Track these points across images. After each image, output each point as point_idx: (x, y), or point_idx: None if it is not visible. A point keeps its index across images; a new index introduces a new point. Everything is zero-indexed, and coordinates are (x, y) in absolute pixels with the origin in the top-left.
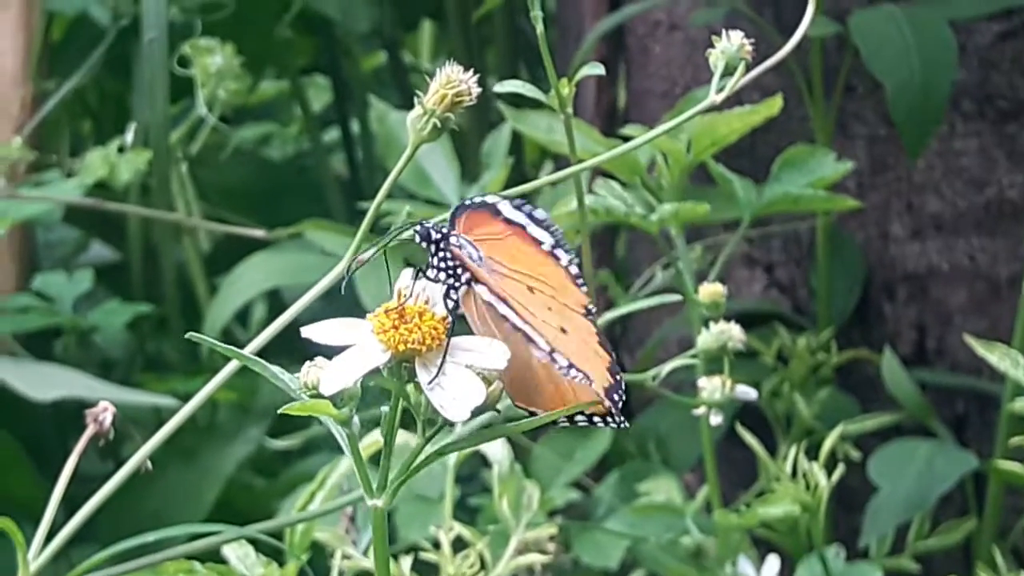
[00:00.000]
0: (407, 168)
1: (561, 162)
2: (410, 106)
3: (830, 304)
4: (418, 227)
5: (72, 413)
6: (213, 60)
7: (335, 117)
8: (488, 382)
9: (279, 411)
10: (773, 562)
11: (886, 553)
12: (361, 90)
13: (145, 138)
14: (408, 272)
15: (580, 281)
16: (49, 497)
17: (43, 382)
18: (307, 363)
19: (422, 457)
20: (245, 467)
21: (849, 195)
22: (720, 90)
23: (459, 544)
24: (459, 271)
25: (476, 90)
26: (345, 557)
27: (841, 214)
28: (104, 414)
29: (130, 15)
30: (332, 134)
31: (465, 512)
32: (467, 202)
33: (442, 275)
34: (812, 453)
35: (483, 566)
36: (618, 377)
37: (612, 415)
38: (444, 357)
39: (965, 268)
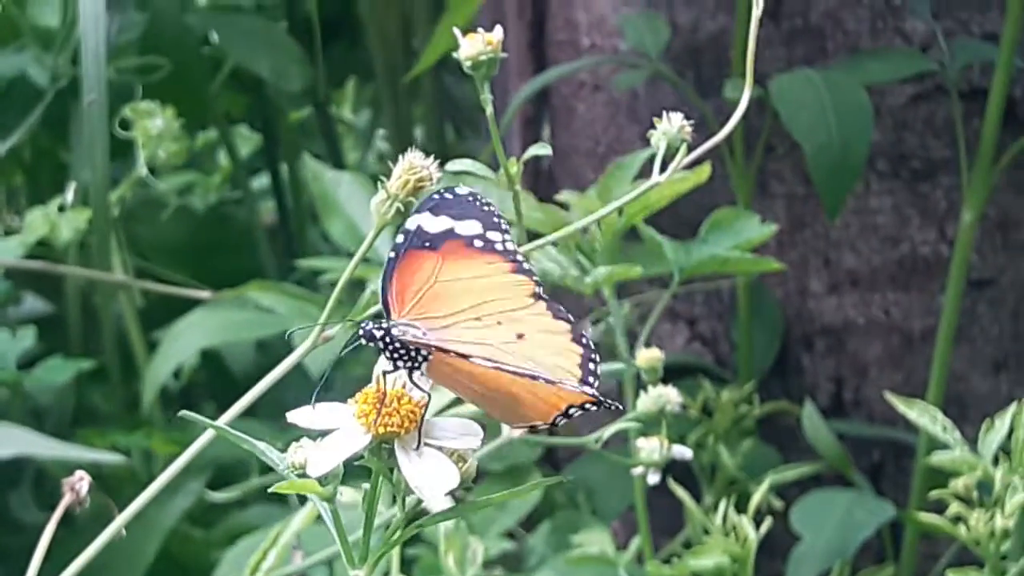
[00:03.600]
0: (341, 226)
1: None
2: (337, 155)
3: (751, 357)
4: (361, 331)
5: (6, 468)
6: (154, 123)
7: (261, 166)
8: (464, 459)
9: (270, 490)
10: None
11: None
12: (290, 141)
13: (84, 197)
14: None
15: (519, 259)
16: None
17: None
18: (293, 444)
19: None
20: (183, 518)
21: (769, 252)
22: (662, 168)
23: None
24: (412, 352)
25: (437, 175)
26: None
27: None
28: (80, 483)
29: (68, 76)
30: (256, 182)
31: (402, 564)
32: (391, 255)
33: (399, 363)
34: (738, 504)
35: None
36: (592, 357)
37: (596, 401)
38: (420, 440)
39: (880, 322)
